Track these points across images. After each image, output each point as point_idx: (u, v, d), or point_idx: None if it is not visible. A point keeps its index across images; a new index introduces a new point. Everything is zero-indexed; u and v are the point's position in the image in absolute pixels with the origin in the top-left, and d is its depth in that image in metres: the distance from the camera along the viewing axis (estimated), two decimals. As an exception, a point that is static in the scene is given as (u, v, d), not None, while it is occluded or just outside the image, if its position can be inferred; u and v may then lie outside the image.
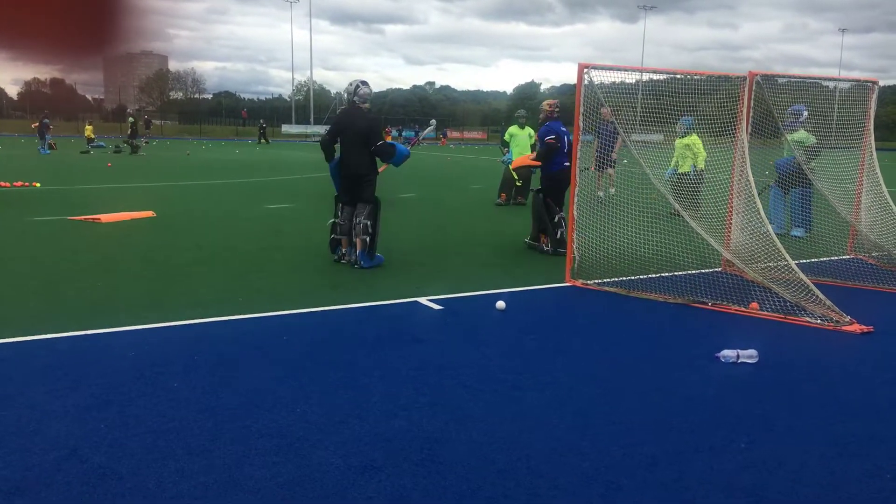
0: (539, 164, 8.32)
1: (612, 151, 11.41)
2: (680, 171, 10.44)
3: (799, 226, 9.06)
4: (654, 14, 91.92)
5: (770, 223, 6.42)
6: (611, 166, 11.30)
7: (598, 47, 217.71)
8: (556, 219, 8.04)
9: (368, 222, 7.05)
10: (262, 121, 51.63)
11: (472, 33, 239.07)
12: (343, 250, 7.30)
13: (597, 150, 9.67)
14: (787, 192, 9.10)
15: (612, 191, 10.38)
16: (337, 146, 7.30)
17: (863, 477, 3.04)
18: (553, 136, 8.11)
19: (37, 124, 28.26)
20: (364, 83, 7.26)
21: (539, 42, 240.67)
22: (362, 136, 7.05)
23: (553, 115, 8.40)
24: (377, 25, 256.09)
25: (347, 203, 7.25)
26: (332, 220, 7.41)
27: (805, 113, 8.30)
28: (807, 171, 7.84)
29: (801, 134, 8.48)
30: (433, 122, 10.80)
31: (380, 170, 7.39)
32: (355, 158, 7.10)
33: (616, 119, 6.95)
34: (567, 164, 7.99)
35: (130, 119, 34.51)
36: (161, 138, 52.04)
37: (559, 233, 7.99)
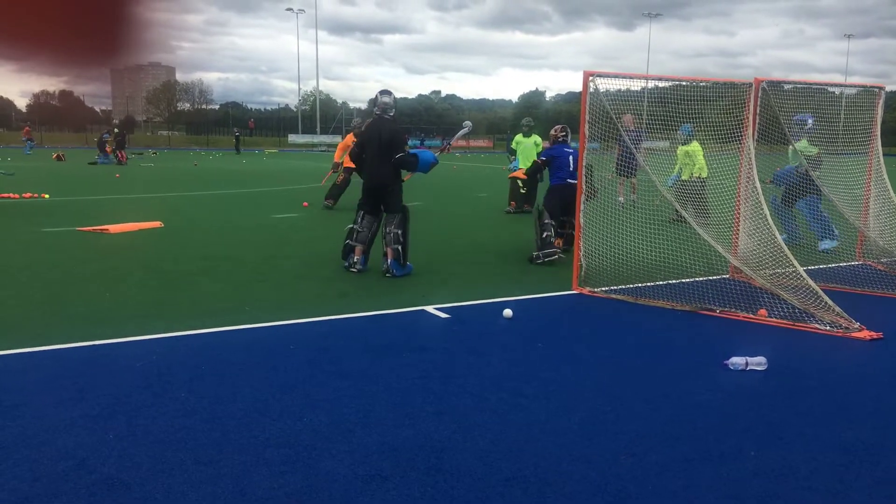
0: (524, 176, 8.92)
1: (635, 158, 11.38)
2: (682, 177, 10.41)
3: (822, 237, 8.88)
4: (651, 21, 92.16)
5: (783, 232, 6.38)
6: (633, 174, 11.23)
7: (596, 55, 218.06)
8: (545, 235, 8.05)
9: (399, 231, 7.05)
10: (235, 129, 48.86)
11: (470, 42, 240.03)
12: (355, 258, 7.27)
13: (618, 157, 9.68)
14: (793, 204, 8.97)
15: (634, 197, 10.35)
16: None
17: (873, 484, 3.02)
18: (544, 158, 8.85)
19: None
20: (383, 92, 7.28)
21: (537, 51, 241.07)
22: (385, 146, 7.08)
23: (558, 139, 8.91)
24: (375, 35, 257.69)
25: (368, 212, 7.25)
26: (350, 226, 7.42)
27: (810, 122, 8.24)
28: (815, 178, 7.79)
29: (801, 143, 8.40)
30: (467, 123, 9.94)
31: (405, 178, 7.40)
32: (377, 169, 7.14)
33: (621, 126, 6.94)
34: (570, 180, 8.13)
35: (109, 134, 34.24)
36: (168, 149, 52.27)
37: (544, 242, 8.03)
